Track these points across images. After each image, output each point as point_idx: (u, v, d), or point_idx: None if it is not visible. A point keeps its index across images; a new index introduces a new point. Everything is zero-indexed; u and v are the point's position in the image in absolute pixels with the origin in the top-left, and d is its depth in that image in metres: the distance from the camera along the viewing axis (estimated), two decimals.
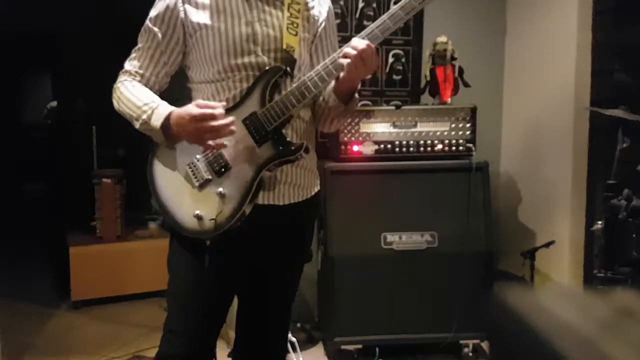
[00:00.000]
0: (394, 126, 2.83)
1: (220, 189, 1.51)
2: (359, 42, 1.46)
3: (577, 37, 2.96)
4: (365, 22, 3.26)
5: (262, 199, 1.56)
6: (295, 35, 1.58)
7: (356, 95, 1.62)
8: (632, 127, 2.48)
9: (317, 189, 1.73)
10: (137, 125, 1.56)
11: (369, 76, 1.59)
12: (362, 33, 1.50)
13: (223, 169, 1.52)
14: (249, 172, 1.51)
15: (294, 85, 1.53)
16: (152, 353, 2.95)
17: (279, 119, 1.51)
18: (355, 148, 2.81)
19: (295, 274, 1.80)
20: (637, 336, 0.54)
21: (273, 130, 1.52)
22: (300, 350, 2.83)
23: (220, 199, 1.51)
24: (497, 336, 0.68)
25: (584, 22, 2.96)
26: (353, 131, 2.80)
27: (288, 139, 1.55)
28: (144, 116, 1.53)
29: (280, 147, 1.52)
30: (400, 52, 3.35)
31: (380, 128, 2.83)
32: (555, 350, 0.53)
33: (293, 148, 1.53)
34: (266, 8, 1.59)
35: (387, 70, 3.33)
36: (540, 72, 3.25)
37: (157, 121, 1.51)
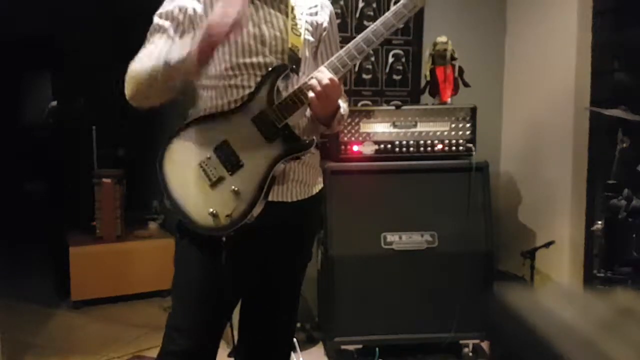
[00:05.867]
0: (394, 126, 2.83)
1: (234, 186, 1.53)
2: (322, 76, 1.50)
3: (577, 37, 2.96)
4: (365, 22, 3.26)
5: (272, 195, 1.58)
6: (299, 36, 1.61)
7: (342, 111, 1.64)
8: (632, 127, 2.48)
9: (321, 186, 1.76)
10: (164, 68, 1.45)
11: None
12: (326, 63, 1.55)
13: (235, 167, 1.54)
14: (262, 168, 1.53)
15: (301, 82, 1.56)
16: (152, 353, 2.96)
17: (288, 116, 1.54)
18: (355, 148, 2.81)
19: (302, 273, 1.82)
20: (637, 336, 0.54)
21: (283, 127, 1.54)
22: (300, 350, 2.83)
23: (235, 196, 1.53)
24: (497, 336, 0.68)
25: (584, 22, 2.96)
26: (353, 131, 2.80)
27: (298, 135, 1.57)
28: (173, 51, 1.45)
29: (291, 143, 1.55)
30: (400, 52, 3.35)
31: (380, 128, 2.83)
32: (555, 350, 0.53)
33: (303, 143, 1.56)
34: (272, 11, 1.61)
35: (387, 70, 3.34)
36: (540, 72, 3.25)
37: (186, 45, 1.43)
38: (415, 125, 2.84)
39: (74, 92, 5.85)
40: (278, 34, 1.60)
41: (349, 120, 2.78)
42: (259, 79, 1.57)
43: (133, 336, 3.17)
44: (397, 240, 2.75)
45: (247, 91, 1.57)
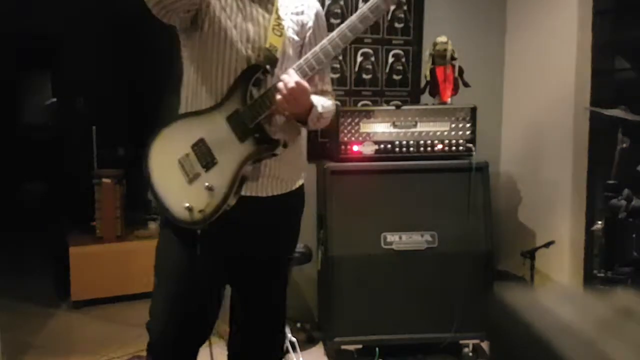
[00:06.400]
0: (394, 126, 2.83)
1: (208, 183, 1.60)
2: (289, 79, 1.53)
3: (577, 37, 2.96)
4: None
5: (245, 190, 1.64)
6: (280, 36, 1.64)
7: (319, 110, 1.66)
8: (632, 127, 2.48)
9: (300, 182, 1.79)
10: None
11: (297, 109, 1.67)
12: (294, 65, 1.59)
13: (210, 164, 1.60)
14: (233, 166, 1.59)
15: (273, 83, 1.60)
16: None
17: (259, 116, 1.59)
18: (355, 148, 2.81)
19: (282, 267, 1.84)
20: (637, 336, 0.54)
21: (254, 127, 1.60)
22: (300, 350, 2.83)
23: (208, 192, 1.59)
24: (497, 336, 0.68)
25: (584, 22, 2.96)
26: (353, 131, 2.80)
27: (269, 135, 1.61)
28: None
29: (260, 144, 1.60)
30: (400, 52, 3.35)
31: (380, 128, 2.83)
32: (555, 351, 0.53)
33: (271, 144, 1.61)
34: (259, 9, 1.65)
35: (387, 70, 3.33)
36: (540, 71, 3.25)
37: None
38: (415, 125, 2.84)
39: (74, 91, 5.85)
40: (262, 31, 1.64)
41: (349, 120, 2.78)
42: (238, 73, 1.61)
43: (133, 336, 3.16)
44: (397, 240, 2.75)
45: (226, 88, 1.61)
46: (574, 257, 3.02)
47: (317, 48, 1.58)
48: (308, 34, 1.72)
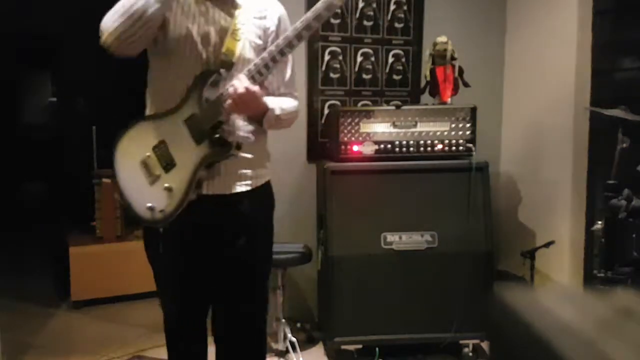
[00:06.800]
0: (394, 126, 2.83)
1: (167, 184, 1.65)
2: (239, 85, 1.57)
3: (577, 37, 2.96)
4: (365, 22, 3.26)
5: (207, 189, 1.67)
6: (238, 40, 1.66)
7: (277, 112, 1.70)
8: (632, 127, 2.48)
9: (266, 179, 1.81)
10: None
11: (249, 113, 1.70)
12: (245, 70, 1.61)
13: (169, 166, 1.65)
14: (190, 168, 1.64)
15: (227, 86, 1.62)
16: (152, 353, 2.97)
17: (214, 120, 1.63)
18: (355, 148, 2.81)
19: (253, 266, 1.82)
20: (637, 336, 0.54)
21: (210, 130, 1.63)
22: (300, 350, 2.83)
23: (168, 193, 1.65)
24: (497, 336, 0.68)
25: (584, 22, 2.96)
26: (353, 131, 2.80)
27: (224, 138, 1.64)
28: None
29: (214, 147, 1.64)
30: (400, 52, 3.35)
31: (380, 128, 2.83)
32: (554, 351, 0.53)
33: (225, 147, 1.64)
34: (221, 13, 1.68)
35: (387, 70, 3.33)
36: (540, 71, 3.25)
37: None
38: (415, 125, 2.84)
39: (74, 91, 5.85)
40: (223, 35, 1.66)
41: (349, 120, 2.78)
42: (197, 73, 1.63)
43: (133, 336, 3.17)
44: (397, 240, 2.75)
45: (185, 91, 1.64)
46: (574, 257, 3.02)
47: (265, 54, 1.62)
48: (270, 38, 1.73)
